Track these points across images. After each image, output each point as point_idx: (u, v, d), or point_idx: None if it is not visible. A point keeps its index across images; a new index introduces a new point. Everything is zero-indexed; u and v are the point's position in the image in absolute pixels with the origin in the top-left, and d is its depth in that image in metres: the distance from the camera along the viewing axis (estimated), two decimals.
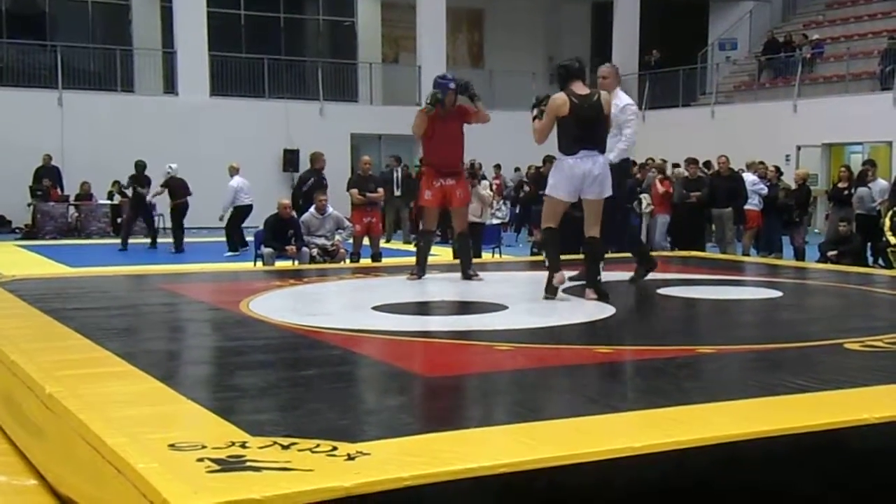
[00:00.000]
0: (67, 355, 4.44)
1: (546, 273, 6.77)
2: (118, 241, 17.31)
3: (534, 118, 6.89)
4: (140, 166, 17.17)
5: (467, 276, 7.83)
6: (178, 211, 16.78)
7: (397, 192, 18.52)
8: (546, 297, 6.65)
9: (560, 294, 6.90)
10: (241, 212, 16.28)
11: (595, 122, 6.64)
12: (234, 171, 16.62)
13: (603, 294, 6.63)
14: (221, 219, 16.31)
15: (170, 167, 16.94)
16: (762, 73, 25.33)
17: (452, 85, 7.74)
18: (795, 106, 22.37)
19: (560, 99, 6.60)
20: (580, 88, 6.67)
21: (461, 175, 8.05)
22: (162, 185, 17.04)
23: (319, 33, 28.01)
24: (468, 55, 29.84)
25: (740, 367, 4.62)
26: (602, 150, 6.69)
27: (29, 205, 20.13)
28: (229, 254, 15.87)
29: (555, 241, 6.84)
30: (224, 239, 16.40)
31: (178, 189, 16.73)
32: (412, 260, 8.36)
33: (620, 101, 7.66)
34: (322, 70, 24.81)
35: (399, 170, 19.02)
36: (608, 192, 6.72)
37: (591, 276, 6.79)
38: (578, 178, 6.57)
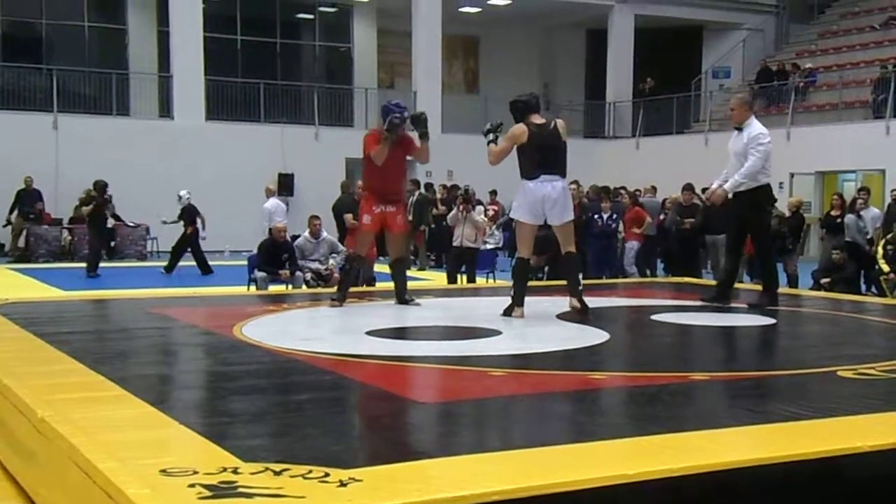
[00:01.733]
0: (60, 379, 4.42)
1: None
2: (113, 264, 17.22)
3: (489, 142, 7.47)
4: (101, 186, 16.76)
5: (404, 301, 7.88)
6: (195, 237, 16.69)
7: (409, 218, 18.35)
8: (503, 316, 7.04)
9: (554, 320, 6.92)
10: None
11: (553, 148, 7.13)
12: (270, 193, 16.58)
13: (584, 306, 7.03)
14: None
15: (187, 194, 16.79)
16: (755, 102, 25.44)
17: (406, 114, 7.74)
18: (789, 134, 22.47)
19: (519, 129, 7.13)
20: (537, 119, 7.20)
21: (400, 202, 8.15)
22: (180, 216, 16.85)
23: (316, 58, 28.14)
24: (464, 81, 29.99)
25: (734, 395, 4.61)
26: (562, 175, 7.17)
27: (4, 225, 20.02)
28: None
29: (523, 273, 7.31)
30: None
31: (192, 216, 16.73)
32: (413, 285, 8.40)
33: (753, 131, 7.82)
34: (318, 95, 24.90)
35: (415, 195, 18.52)
36: (569, 217, 7.23)
37: (574, 288, 7.15)
38: (539, 201, 7.05)
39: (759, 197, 7.90)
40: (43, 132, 21.43)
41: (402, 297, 7.89)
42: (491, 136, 7.49)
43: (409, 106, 18.84)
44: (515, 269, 7.47)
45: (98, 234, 16.78)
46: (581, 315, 6.97)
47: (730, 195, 7.91)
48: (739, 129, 7.96)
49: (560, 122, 7.30)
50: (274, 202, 16.29)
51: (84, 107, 22.95)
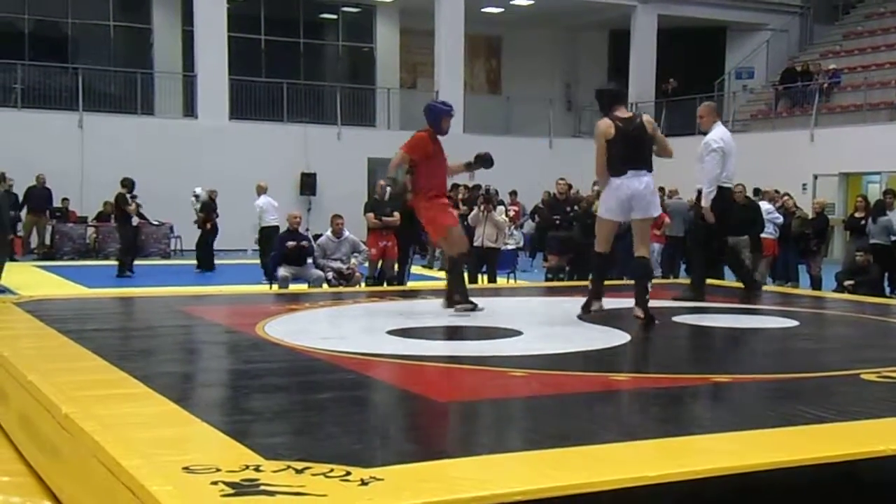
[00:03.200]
0: (84, 376, 4.46)
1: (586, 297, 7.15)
2: (137, 262, 17.28)
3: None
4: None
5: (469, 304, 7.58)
6: (214, 233, 16.78)
7: None
8: (580, 317, 6.97)
9: (575, 321, 6.91)
10: (268, 233, 15.76)
11: (640, 143, 6.93)
12: (261, 191, 16.42)
13: (650, 317, 6.78)
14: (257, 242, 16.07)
15: (203, 191, 16.84)
16: (779, 102, 25.33)
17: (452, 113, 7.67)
18: (812, 135, 22.34)
19: (604, 124, 6.92)
20: (623, 112, 7.02)
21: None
22: (202, 211, 16.93)
23: (339, 58, 28.22)
24: (486, 81, 29.98)
25: (756, 397, 4.59)
26: (649, 170, 6.96)
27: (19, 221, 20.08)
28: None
29: (602, 267, 7.23)
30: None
31: (210, 212, 16.81)
32: (427, 284, 8.37)
33: (708, 137, 8.25)
34: (340, 95, 24.96)
35: None
36: (656, 212, 7.15)
37: (640, 296, 6.90)
38: (627, 197, 6.86)
39: (719, 199, 8.24)
40: (68, 131, 21.60)
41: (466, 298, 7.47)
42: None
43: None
44: (594, 264, 7.39)
45: (125, 232, 16.70)
46: (645, 325, 6.72)
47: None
48: (705, 134, 8.36)
49: (646, 117, 7.21)
50: (265, 199, 16.15)
51: (109, 106, 23.11)
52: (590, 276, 7.25)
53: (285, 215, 14.77)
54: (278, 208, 16.17)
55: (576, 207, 15.02)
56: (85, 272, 16.30)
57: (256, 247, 16.14)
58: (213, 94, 23.07)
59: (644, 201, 6.89)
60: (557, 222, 14.15)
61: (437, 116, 7.48)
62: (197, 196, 16.89)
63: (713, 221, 8.36)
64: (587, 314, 7.01)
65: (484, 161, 7.73)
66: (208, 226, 16.95)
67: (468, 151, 7.86)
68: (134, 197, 16.49)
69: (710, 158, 8.15)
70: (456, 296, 7.42)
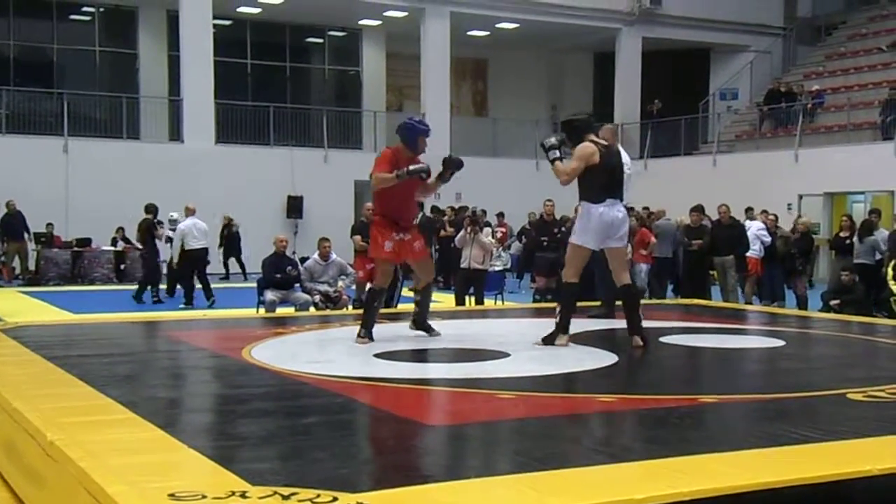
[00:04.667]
0: (69, 402, 4.44)
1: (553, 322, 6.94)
2: (123, 287, 17.09)
3: (552, 160, 6.99)
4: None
5: (424, 329, 7.44)
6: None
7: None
8: (538, 344, 6.83)
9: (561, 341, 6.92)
10: (190, 256, 15.21)
11: (618, 171, 6.96)
12: (188, 213, 15.65)
13: (646, 340, 6.80)
14: (172, 264, 15.67)
15: (178, 216, 16.59)
16: (763, 123, 25.49)
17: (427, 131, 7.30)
18: (797, 155, 22.48)
19: (591, 148, 6.80)
20: (599, 140, 6.95)
21: (415, 227, 7.46)
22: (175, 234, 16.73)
23: (325, 82, 28.28)
24: (472, 103, 30.09)
25: (743, 417, 4.60)
26: (622, 199, 7.00)
27: (2, 254, 19.83)
28: (183, 306, 14.93)
29: (572, 299, 7.00)
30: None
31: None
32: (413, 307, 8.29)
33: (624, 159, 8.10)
34: (327, 118, 25.01)
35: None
36: (626, 241, 7.15)
37: (637, 324, 6.88)
38: (607, 225, 6.81)
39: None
40: (54, 156, 21.54)
41: (424, 324, 7.48)
42: (556, 154, 6.98)
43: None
44: (564, 295, 7.03)
45: (151, 258, 16.24)
46: (641, 349, 6.73)
47: None
48: None
49: (619, 146, 7.28)
50: (189, 222, 15.41)
51: (95, 130, 23.06)
52: (557, 309, 7.02)
53: (259, 240, 14.57)
54: (207, 232, 15.72)
55: (563, 229, 15.05)
56: (70, 297, 16.22)
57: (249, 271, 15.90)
58: (199, 118, 23.06)
59: (622, 230, 6.95)
60: (545, 243, 14.17)
61: (414, 136, 7.19)
62: (175, 221, 16.42)
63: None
64: (548, 344, 6.79)
65: (452, 163, 7.40)
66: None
67: (455, 173, 7.71)
68: (159, 223, 16.37)
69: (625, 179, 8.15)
70: (362, 329, 7.06)
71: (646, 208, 17.32)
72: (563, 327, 6.86)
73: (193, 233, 15.33)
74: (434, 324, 7.58)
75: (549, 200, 14.55)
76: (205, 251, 15.45)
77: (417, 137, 7.20)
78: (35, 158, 21.13)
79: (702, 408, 4.71)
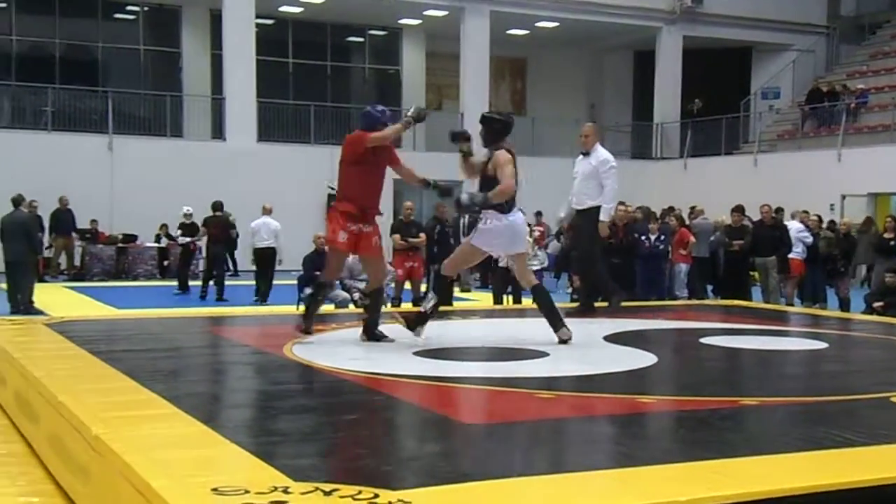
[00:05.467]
0: (114, 397, 4.50)
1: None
2: (166, 283, 17.33)
3: (463, 153, 6.84)
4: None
5: (375, 337, 6.88)
6: (194, 252, 16.79)
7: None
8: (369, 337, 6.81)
9: (602, 342, 6.91)
10: (261, 255, 15.60)
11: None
12: (264, 212, 16.11)
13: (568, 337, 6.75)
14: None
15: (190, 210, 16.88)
16: (806, 123, 25.21)
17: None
18: (840, 155, 22.21)
19: (509, 155, 6.73)
20: (509, 146, 6.85)
21: (375, 222, 6.90)
22: (189, 231, 17.01)
23: (365, 81, 28.39)
24: (511, 103, 30.05)
25: (784, 420, 4.56)
26: None
27: (48, 246, 20.15)
28: (255, 299, 15.40)
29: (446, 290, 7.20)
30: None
31: (194, 232, 16.88)
32: (455, 305, 8.32)
33: (601, 155, 8.41)
34: None
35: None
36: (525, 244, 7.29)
37: (555, 319, 6.87)
38: (517, 235, 6.91)
39: (595, 215, 8.53)
40: (98, 153, 21.83)
41: (374, 332, 6.89)
42: (465, 147, 6.83)
43: (457, 126, 18.90)
44: (440, 286, 7.18)
45: (219, 254, 16.64)
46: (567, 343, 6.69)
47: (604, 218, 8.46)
48: (587, 153, 8.51)
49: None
50: (261, 221, 15.82)
51: (139, 128, 23.35)
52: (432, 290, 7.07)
53: (298, 238, 14.79)
54: (278, 233, 15.83)
55: None
56: (114, 293, 16.43)
57: (289, 269, 16.11)
58: (241, 117, 23.27)
59: (523, 237, 7.13)
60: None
61: (372, 124, 6.83)
62: (188, 216, 16.92)
63: (605, 236, 8.73)
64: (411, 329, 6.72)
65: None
66: (191, 247, 17.03)
67: None
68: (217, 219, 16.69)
69: (611, 176, 8.39)
70: (304, 322, 6.93)
71: (692, 208, 17.16)
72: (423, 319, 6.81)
73: (262, 232, 15.71)
74: (471, 322, 7.59)
75: None
76: (272, 250, 15.70)
77: (375, 126, 6.81)
78: (80, 156, 21.44)
79: (743, 410, 4.67)
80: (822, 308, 13.61)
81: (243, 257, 16.89)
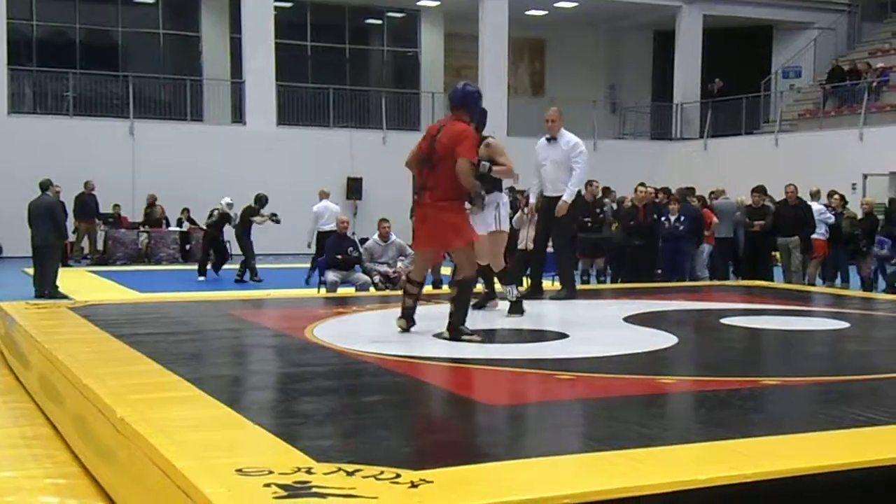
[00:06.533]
0: (138, 379, 4.54)
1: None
2: (188, 267, 17.34)
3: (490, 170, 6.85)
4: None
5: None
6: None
7: None
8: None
9: (622, 323, 6.90)
10: (323, 238, 15.44)
11: None
12: (322, 196, 16.38)
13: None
14: (309, 245, 16.15)
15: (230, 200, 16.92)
16: (827, 102, 24.99)
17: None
18: (861, 134, 22.01)
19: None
20: None
21: None
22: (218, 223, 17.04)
23: (384, 63, 28.36)
24: (529, 84, 29.94)
25: (806, 400, 4.55)
26: None
27: (74, 231, 20.16)
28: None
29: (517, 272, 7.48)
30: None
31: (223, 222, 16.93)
32: (476, 288, 8.30)
33: (570, 140, 8.43)
34: (385, 99, 25.10)
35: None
36: None
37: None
38: (500, 211, 7.43)
39: (579, 200, 8.73)
40: (120, 138, 21.94)
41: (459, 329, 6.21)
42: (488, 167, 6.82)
43: None
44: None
45: (247, 241, 16.55)
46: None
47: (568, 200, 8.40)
48: (553, 139, 8.49)
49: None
50: (323, 205, 16.04)
51: (159, 113, 23.45)
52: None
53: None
54: (335, 215, 15.79)
55: (604, 209, 14.94)
56: (137, 277, 16.55)
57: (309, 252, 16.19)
58: (260, 101, 23.32)
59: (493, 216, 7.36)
60: (589, 224, 14.09)
61: (473, 107, 6.41)
62: (230, 205, 16.92)
63: (567, 218, 8.55)
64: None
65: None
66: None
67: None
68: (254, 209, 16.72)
69: (582, 160, 8.37)
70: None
71: (712, 192, 16.99)
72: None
73: (326, 216, 15.76)
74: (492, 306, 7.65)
75: (594, 181, 14.47)
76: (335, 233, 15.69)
77: (474, 109, 6.42)
78: (102, 140, 21.56)
79: (764, 390, 4.67)
80: (845, 288, 13.54)
81: (299, 240, 16.81)
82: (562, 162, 8.41)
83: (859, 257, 14.32)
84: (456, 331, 6.08)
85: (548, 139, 8.56)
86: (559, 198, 8.43)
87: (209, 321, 7.42)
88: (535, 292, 8.76)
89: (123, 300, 10.55)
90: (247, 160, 22.05)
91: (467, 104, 6.39)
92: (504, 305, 7.57)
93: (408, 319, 6.40)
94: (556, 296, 8.71)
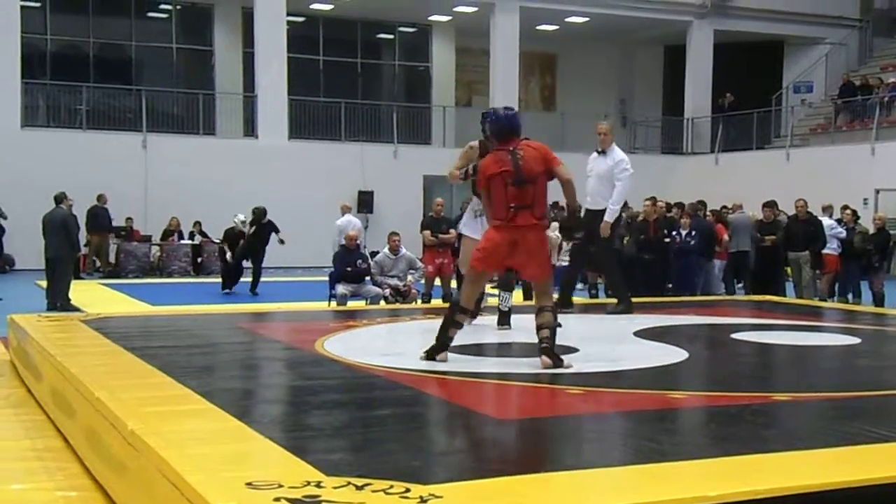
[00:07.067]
0: (149, 392, 4.56)
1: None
2: (200, 280, 17.32)
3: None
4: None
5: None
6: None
7: None
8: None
9: (632, 338, 6.88)
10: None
11: None
12: (345, 210, 16.29)
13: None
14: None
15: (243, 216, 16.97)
16: (838, 116, 24.94)
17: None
18: (873, 149, 21.95)
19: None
20: None
21: None
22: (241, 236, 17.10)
23: (395, 78, 28.44)
24: (540, 98, 29.98)
25: (818, 416, 4.53)
26: None
27: (86, 244, 20.20)
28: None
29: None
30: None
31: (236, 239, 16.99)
32: (489, 301, 8.32)
33: (617, 156, 8.39)
34: (397, 113, 25.16)
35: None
36: None
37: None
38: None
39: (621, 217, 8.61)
40: (133, 151, 22.02)
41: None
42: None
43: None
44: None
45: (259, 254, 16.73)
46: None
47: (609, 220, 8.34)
48: (603, 152, 8.44)
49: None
50: (346, 219, 15.90)
51: (172, 126, 23.53)
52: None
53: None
54: (362, 229, 15.86)
55: (628, 220, 14.90)
56: (149, 290, 16.58)
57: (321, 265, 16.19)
58: (272, 114, 23.40)
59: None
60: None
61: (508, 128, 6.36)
62: (244, 223, 16.99)
63: (608, 236, 8.49)
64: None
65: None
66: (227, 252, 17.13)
67: None
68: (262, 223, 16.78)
69: (624, 177, 8.30)
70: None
71: (724, 207, 16.93)
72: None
73: (348, 229, 15.76)
74: (492, 319, 7.67)
75: (657, 199, 14.40)
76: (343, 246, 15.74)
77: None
78: (115, 154, 21.63)
79: (775, 406, 4.65)
80: (857, 303, 13.48)
81: (310, 254, 16.75)
82: (605, 176, 8.37)
83: (871, 272, 14.26)
84: (557, 357, 5.62)
85: (598, 152, 8.56)
86: (599, 212, 8.37)
87: (220, 334, 7.44)
88: (565, 306, 8.62)
89: (135, 313, 10.59)
90: (259, 174, 22.11)
91: (513, 126, 6.38)
92: (482, 320, 7.58)
93: (447, 350, 5.83)
94: (614, 310, 8.65)
